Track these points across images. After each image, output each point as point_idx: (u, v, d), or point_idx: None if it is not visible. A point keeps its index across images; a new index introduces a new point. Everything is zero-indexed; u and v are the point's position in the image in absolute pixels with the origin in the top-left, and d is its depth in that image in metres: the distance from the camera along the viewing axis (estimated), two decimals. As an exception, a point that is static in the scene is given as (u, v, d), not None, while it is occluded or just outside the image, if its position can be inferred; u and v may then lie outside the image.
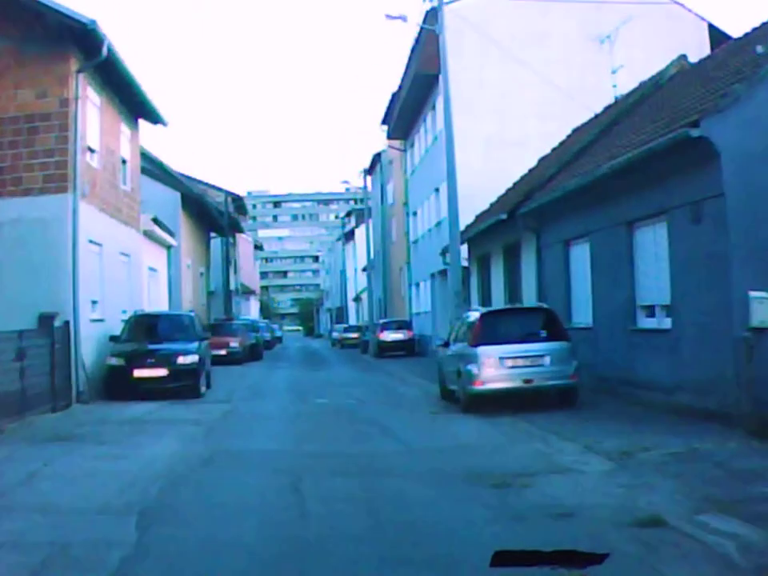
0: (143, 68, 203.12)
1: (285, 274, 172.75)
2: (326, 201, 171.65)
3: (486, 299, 28.62)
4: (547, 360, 15.84)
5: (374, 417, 15.80)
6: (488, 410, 15.67)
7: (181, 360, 19.18)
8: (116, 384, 18.92)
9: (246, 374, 28.40)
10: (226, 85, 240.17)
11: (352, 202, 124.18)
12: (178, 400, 18.64)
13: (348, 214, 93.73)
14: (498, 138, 35.51)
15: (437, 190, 37.81)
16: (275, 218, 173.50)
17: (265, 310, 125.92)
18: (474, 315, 17.18)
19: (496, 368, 15.68)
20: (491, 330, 16.13)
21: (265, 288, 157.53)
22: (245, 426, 14.94)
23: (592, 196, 18.29)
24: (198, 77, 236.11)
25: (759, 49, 13.88)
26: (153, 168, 36.88)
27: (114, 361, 19.11)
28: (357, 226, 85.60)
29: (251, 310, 75.38)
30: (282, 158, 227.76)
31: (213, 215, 41.24)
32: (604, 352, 17.94)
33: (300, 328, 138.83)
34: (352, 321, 78.95)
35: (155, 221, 27.26)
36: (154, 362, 18.96)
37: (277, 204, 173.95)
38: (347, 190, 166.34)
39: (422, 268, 41.95)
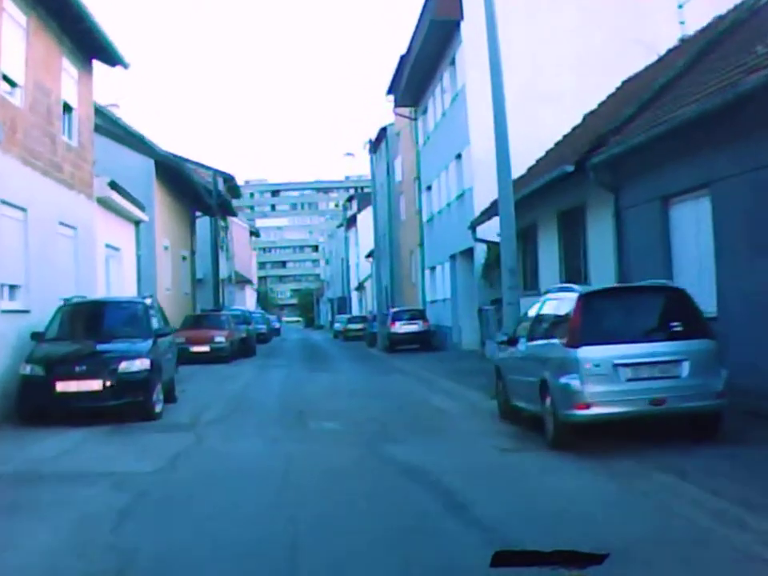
0: (133, 49, 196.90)
1: (284, 264, 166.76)
2: (325, 189, 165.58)
3: (530, 281, 22.67)
4: (685, 368, 9.89)
5: (414, 460, 9.78)
6: (588, 445, 9.80)
7: (124, 367, 13.12)
8: (32, 401, 12.96)
9: (230, 377, 22.44)
10: (222, 72, 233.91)
11: (352, 190, 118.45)
12: (122, 424, 12.72)
13: (350, 199, 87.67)
14: (531, 93, 29.53)
15: (458, 156, 31.81)
16: (273, 207, 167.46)
17: (263, 301, 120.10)
18: (565, 299, 11.01)
19: (609, 381, 9.72)
20: (598, 321, 10.08)
21: (263, 279, 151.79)
22: (201, 492, 8.34)
23: (717, 129, 12.36)
24: (193, 63, 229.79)
25: (760, 50, 11.85)
26: (124, 135, 31.01)
27: (28, 369, 13.12)
28: (359, 211, 79.60)
29: (247, 300, 69.42)
30: (280, 146, 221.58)
31: (198, 191, 35.28)
32: (740, 353, 12.01)
33: (300, 319, 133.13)
34: (354, 311, 72.99)
35: (113, 186, 21.26)
36: (85, 371, 12.92)
37: (275, 193, 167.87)
38: (347, 177, 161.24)
39: (439, 249, 35.98)
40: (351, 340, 53.47)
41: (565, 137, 25.00)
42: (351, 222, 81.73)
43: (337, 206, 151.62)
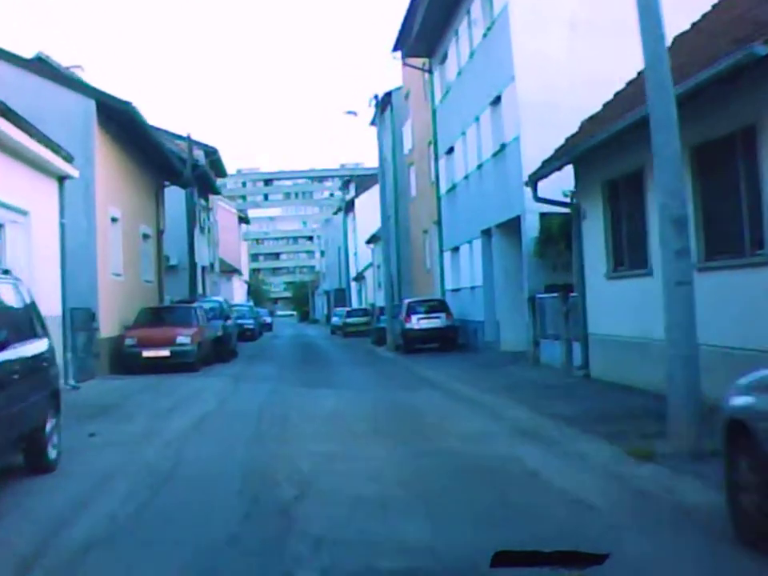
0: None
1: (277, 255, 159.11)
2: (319, 178, 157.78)
3: (631, 256, 15.16)
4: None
5: None
6: None
7: None
8: None
9: (184, 401, 14.64)
10: (212, 59, 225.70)
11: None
12: None
13: (347, 183, 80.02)
14: (588, 22, 22.39)
15: (495, 101, 24.33)
16: (266, 196, 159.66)
17: (255, 294, 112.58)
18: None
19: None
20: None
21: (256, 271, 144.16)
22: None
23: None
24: (181, 49, 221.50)
25: None
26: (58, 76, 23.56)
27: None
28: (357, 195, 72.04)
29: (235, 292, 61.85)
30: (273, 134, 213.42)
31: (165, 155, 27.77)
32: None
33: (294, 313, 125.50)
34: (353, 304, 65.43)
35: (3, 113, 13.74)
36: None
37: (268, 182, 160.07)
38: (342, 166, 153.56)
39: (464, 225, 28.51)
40: (352, 336, 46.07)
41: (640, 73, 17.47)
42: (349, 207, 74.11)
43: (332, 195, 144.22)
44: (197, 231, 39.98)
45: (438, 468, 8.22)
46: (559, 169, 17.25)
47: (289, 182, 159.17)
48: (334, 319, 56.02)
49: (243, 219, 70.94)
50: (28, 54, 24.80)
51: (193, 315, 22.27)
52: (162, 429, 11.13)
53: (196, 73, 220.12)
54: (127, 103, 21.41)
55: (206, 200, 44.59)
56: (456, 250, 30.16)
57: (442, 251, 32.50)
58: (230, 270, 60.19)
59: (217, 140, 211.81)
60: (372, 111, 36.19)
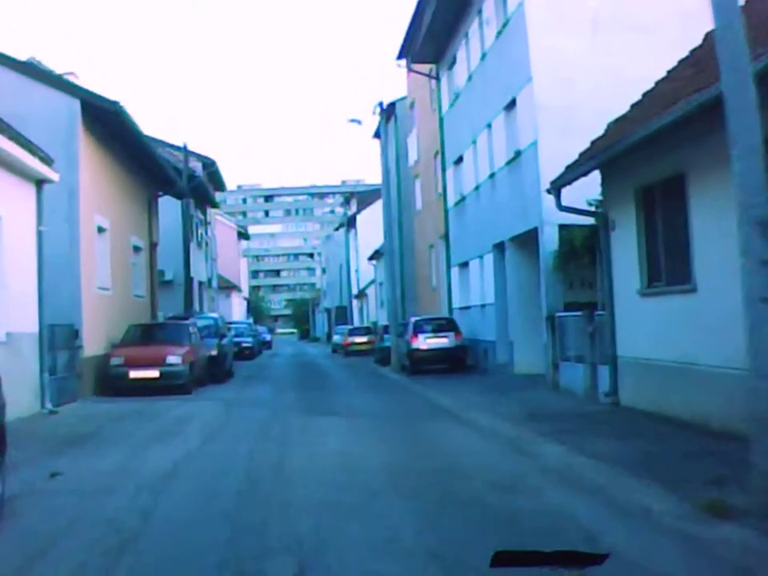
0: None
1: (278, 272, 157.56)
2: (320, 194, 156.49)
3: (670, 269, 13.50)
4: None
5: None
6: None
7: None
8: None
9: (167, 434, 12.65)
10: (213, 76, 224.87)
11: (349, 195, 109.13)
12: None
13: (348, 199, 78.47)
14: (611, 18, 21.06)
15: (509, 105, 22.78)
16: (267, 213, 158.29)
17: (255, 312, 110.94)
18: None
19: None
20: None
21: (256, 288, 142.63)
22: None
23: None
24: (181, 64, 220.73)
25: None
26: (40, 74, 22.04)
27: None
28: (359, 211, 70.52)
29: (234, 309, 60.21)
30: (274, 151, 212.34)
31: (159, 164, 26.22)
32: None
33: (294, 331, 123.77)
34: (355, 322, 63.73)
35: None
36: None
37: (268, 198, 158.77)
38: (343, 182, 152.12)
39: (474, 239, 26.90)
40: (354, 355, 44.38)
41: (673, 70, 16.00)
42: (350, 223, 72.55)
43: (332, 212, 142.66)
44: (193, 245, 38.43)
45: (476, 532, 6.50)
46: (585, 174, 15.63)
47: (289, 199, 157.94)
48: (336, 337, 54.36)
49: (243, 235, 69.40)
50: (20, 58, 23.32)
51: (185, 333, 20.60)
52: (137, 469, 9.41)
53: (197, 87, 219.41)
54: (115, 103, 19.82)
55: (204, 213, 43.05)
56: (465, 265, 28.53)
57: (449, 267, 30.87)
58: (229, 287, 58.58)
59: (217, 155, 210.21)
60: (376, 120, 34.47)
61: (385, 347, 32.94)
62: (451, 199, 30.46)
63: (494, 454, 10.86)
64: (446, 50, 30.53)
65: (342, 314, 75.99)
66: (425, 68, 33.06)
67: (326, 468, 9.56)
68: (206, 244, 44.21)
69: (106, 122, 20.72)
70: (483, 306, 25.99)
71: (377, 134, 51.97)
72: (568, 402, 16.52)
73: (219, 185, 50.56)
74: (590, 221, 17.69)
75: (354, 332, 47.41)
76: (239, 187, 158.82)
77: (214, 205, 44.92)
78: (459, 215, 29.36)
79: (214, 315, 25.07)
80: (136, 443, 11.42)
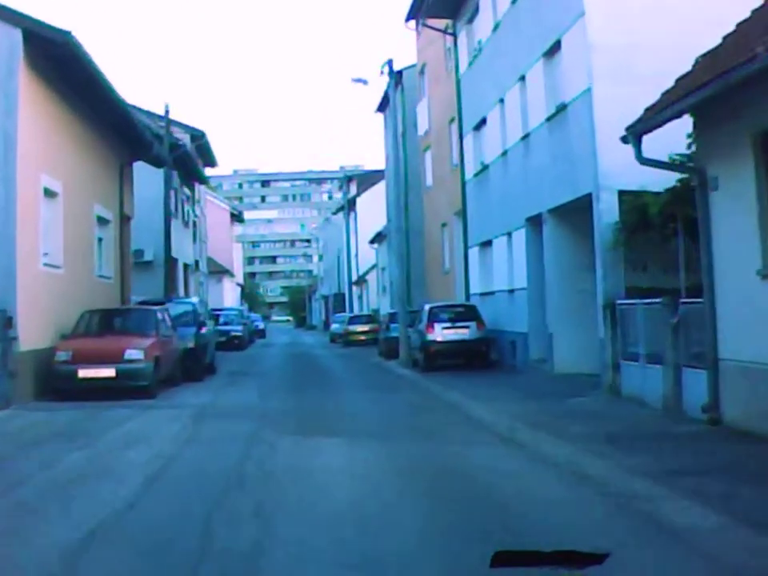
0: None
1: (274, 259, 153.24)
2: (318, 179, 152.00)
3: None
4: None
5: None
6: None
7: None
8: None
9: (86, 476, 8.26)
10: (210, 57, 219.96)
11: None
12: None
13: (348, 180, 74.13)
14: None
15: (552, 49, 18.65)
16: (263, 198, 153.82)
17: (249, 299, 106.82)
18: None
19: None
20: None
21: (252, 275, 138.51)
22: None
23: None
24: (176, 46, 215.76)
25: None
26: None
27: None
28: (358, 193, 66.37)
29: (225, 295, 56.06)
30: (271, 135, 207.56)
31: (133, 125, 22.09)
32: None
33: (290, 318, 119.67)
34: (354, 310, 59.50)
35: None
36: None
37: (265, 183, 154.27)
38: (341, 167, 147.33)
39: (501, 214, 22.80)
40: (354, 345, 40.30)
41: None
42: (350, 206, 68.35)
43: (331, 197, 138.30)
44: (178, 223, 34.28)
45: None
46: (679, 116, 11.51)
47: (287, 184, 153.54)
48: (334, 326, 50.23)
49: (236, 217, 65.12)
50: None
51: (151, 321, 16.40)
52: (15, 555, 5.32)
53: (191, 68, 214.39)
54: (65, 33, 15.61)
55: (192, 189, 38.87)
56: (487, 244, 24.43)
57: (466, 247, 26.74)
58: (221, 271, 54.41)
59: (213, 140, 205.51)
60: (383, 83, 30.27)
61: (391, 338, 28.86)
62: (470, 170, 26.33)
63: (596, 518, 6.77)
64: (464, 2, 26.36)
65: (339, 302, 71.89)
66: (440, 23, 28.86)
67: (331, 562, 5.47)
68: (194, 224, 40.03)
69: (59, 60, 16.54)
70: (511, 291, 21.91)
71: (380, 108, 47.86)
72: (645, 417, 12.49)
73: (210, 160, 46.32)
74: (667, 184, 13.78)
75: (354, 320, 43.28)
76: (235, 172, 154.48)
77: (203, 181, 40.72)
78: (480, 188, 25.25)
79: (193, 300, 20.74)
80: (23, 500, 7.23)
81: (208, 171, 48.77)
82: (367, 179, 67.90)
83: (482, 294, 24.93)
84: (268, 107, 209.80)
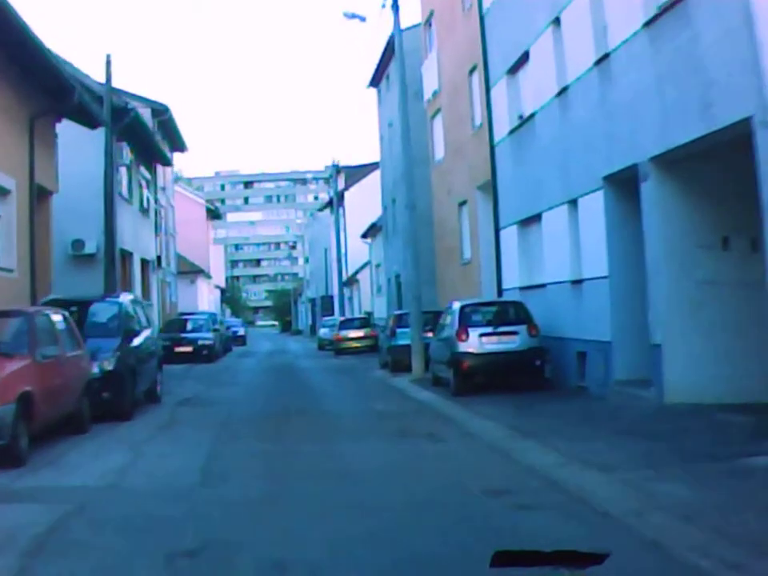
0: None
1: (258, 262, 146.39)
2: (303, 180, 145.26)
3: None
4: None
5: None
6: None
7: None
8: None
9: None
10: (189, 57, 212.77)
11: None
12: None
13: (338, 171, 67.16)
14: None
15: None
16: (246, 200, 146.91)
17: (231, 303, 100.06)
18: None
19: None
20: None
21: (235, 279, 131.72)
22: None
23: None
24: (158, 47, 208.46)
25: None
26: None
27: None
28: (347, 188, 59.84)
29: (201, 297, 49.26)
30: (253, 136, 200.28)
31: (49, 68, 15.51)
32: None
33: (275, 323, 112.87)
34: (343, 313, 52.76)
35: None
36: None
37: (248, 184, 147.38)
38: (327, 167, 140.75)
39: (557, 177, 16.18)
40: (346, 354, 33.77)
41: None
42: (338, 201, 61.54)
43: (316, 198, 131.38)
44: (131, 209, 27.59)
45: None
46: None
47: (270, 185, 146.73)
48: (322, 331, 43.49)
49: (213, 213, 58.16)
50: None
51: (23, 334, 9.60)
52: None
53: (171, 70, 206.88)
54: None
55: (152, 172, 32.11)
56: (530, 221, 17.84)
57: (497, 229, 20.12)
58: (194, 271, 47.58)
59: (194, 142, 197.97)
60: (385, 20, 23.62)
61: (398, 347, 22.28)
62: (501, 128, 19.74)
63: None
64: None
65: (327, 305, 65.27)
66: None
67: None
68: (157, 213, 33.27)
69: None
70: (577, 282, 15.31)
71: (373, 81, 41.24)
72: None
73: (177, 143, 39.62)
74: None
75: (345, 325, 36.58)
76: (217, 173, 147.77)
77: (166, 163, 33.90)
78: (518, 148, 18.67)
79: (121, 300, 13.81)
80: None
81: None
82: (355, 173, 61.82)
83: (522, 289, 18.32)
84: (250, 107, 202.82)
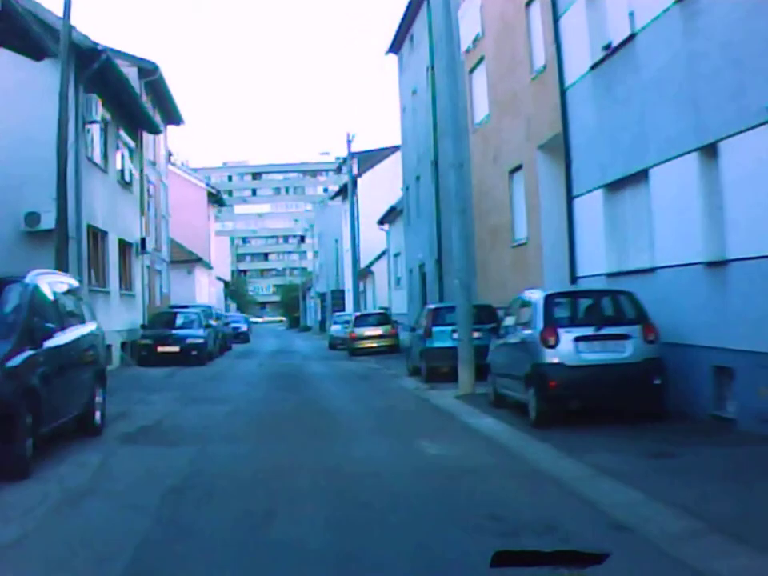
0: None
1: (266, 256, 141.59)
2: (312, 172, 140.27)
3: None
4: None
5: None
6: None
7: None
8: None
9: None
10: (202, 47, 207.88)
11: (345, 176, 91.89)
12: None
13: (352, 155, 61.96)
14: None
15: None
16: (254, 191, 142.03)
17: (236, 297, 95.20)
18: None
19: None
20: None
21: (242, 273, 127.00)
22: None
23: None
24: (170, 40, 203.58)
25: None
26: None
27: None
28: (360, 174, 54.92)
29: (199, 290, 44.32)
30: (262, 127, 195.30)
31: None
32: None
33: (283, 319, 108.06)
34: (360, 308, 47.61)
35: None
36: None
37: (256, 176, 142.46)
38: (338, 159, 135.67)
39: (674, 118, 11.19)
40: (362, 354, 28.96)
41: None
42: (352, 182, 56.39)
43: (326, 190, 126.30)
44: (106, 179, 22.82)
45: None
46: None
47: (279, 176, 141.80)
48: (335, 328, 38.58)
49: (215, 198, 53.14)
50: None
51: None
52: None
53: (179, 59, 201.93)
54: None
55: (135, 139, 27.18)
56: (627, 182, 12.89)
57: (571, 197, 15.13)
58: (191, 260, 42.63)
59: (202, 132, 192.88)
60: None
61: (434, 350, 17.42)
62: (578, 65, 14.78)
63: None
64: None
65: (338, 300, 60.38)
66: None
67: None
68: (143, 189, 28.36)
69: None
70: (717, 264, 10.34)
71: (393, 46, 36.28)
72: None
73: (171, 111, 34.72)
74: None
75: (362, 321, 31.62)
76: (224, 164, 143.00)
77: (154, 128, 28.95)
78: (604, 86, 13.69)
79: (28, 282, 8.77)
80: None
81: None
82: (369, 159, 57.22)
83: (610, 276, 13.35)
84: (259, 97, 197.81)
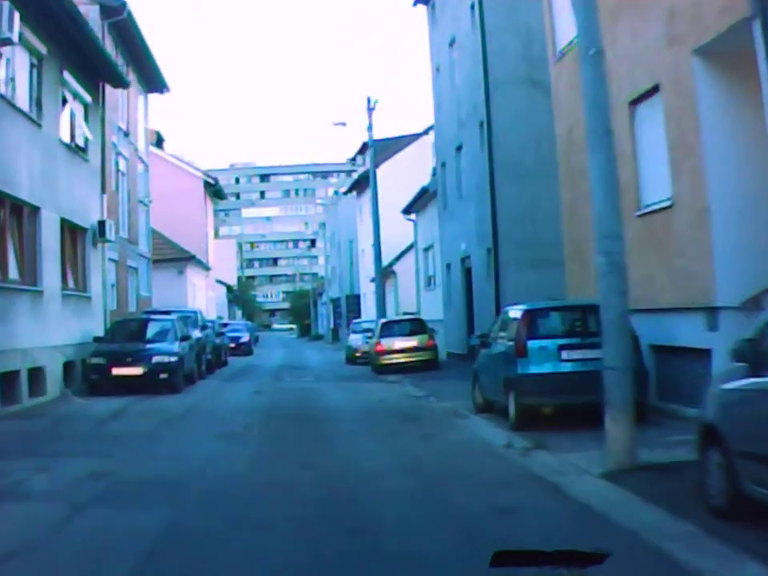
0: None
1: (275, 261, 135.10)
2: (323, 173, 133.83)
3: None
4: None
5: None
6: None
7: None
8: None
9: None
10: (209, 47, 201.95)
11: (354, 174, 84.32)
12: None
13: (363, 147, 55.38)
14: None
15: None
16: (262, 194, 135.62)
17: (244, 305, 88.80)
18: None
19: None
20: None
21: (250, 279, 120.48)
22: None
23: None
24: (176, 37, 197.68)
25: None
26: None
27: None
28: (377, 165, 48.15)
29: (193, 293, 37.74)
30: (270, 128, 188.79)
31: None
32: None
33: (293, 326, 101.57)
34: (367, 315, 40.77)
35: None
36: None
37: (264, 178, 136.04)
38: (349, 159, 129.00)
39: None
40: (391, 372, 22.45)
41: None
42: (365, 182, 49.94)
43: (336, 193, 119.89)
44: (30, 128, 16.19)
45: None
46: None
47: (288, 178, 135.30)
48: (353, 338, 31.86)
49: (212, 188, 46.27)
50: None
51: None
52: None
53: (186, 60, 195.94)
54: None
55: (93, 93, 20.57)
56: None
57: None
58: (182, 258, 35.99)
59: (207, 134, 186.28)
60: None
61: (532, 378, 10.65)
62: None
63: None
64: None
65: (353, 306, 53.79)
66: None
67: None
68: (104, 161, 21.73)
69: None
70: None
71: (423, -6, 29.74)
72: None
73: (151, 73, 28.19)
74: None
75: (391, 329, 24.92)
76: (232, 165, 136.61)
77: (119, 80, 22.14)
78: None
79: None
80: None
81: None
82: (386, 148, 51.23)
83: None
84: (267, 96, 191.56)
